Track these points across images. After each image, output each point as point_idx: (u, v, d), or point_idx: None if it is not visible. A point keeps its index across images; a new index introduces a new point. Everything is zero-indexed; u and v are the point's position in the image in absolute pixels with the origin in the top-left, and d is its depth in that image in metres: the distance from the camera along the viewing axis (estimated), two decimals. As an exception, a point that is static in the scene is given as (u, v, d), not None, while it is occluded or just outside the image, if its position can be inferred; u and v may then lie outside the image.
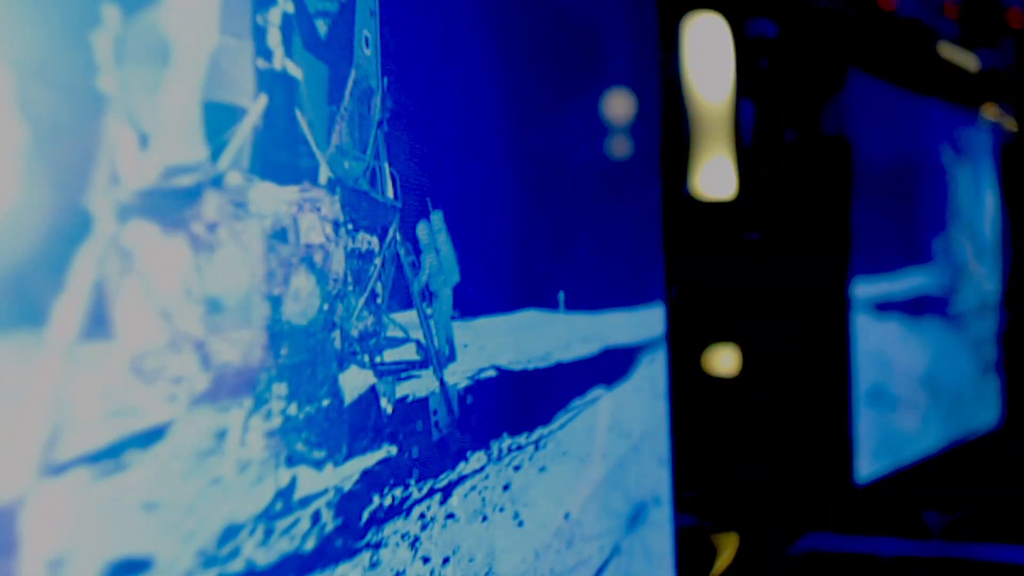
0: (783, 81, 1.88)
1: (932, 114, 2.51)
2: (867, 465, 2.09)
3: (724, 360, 1.78)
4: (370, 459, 0.88)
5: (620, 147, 1.38)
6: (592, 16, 1.31)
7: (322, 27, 0.83)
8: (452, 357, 1.00)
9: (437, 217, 0.98)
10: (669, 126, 1.51)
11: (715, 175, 1.73)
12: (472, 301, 1.05)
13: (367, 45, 0.88)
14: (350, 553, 0.85)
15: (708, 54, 1.68)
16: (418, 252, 0.96)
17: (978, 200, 2.76)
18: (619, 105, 1.37)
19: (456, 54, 1.03)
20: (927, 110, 2.49)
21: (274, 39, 0.78)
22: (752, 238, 1.79)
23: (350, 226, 0.86)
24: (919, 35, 2.32)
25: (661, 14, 1.47)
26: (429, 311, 0.97)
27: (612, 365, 1.35)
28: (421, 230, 0.96)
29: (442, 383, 0.99)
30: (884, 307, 2.20)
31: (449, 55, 1.01)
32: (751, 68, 1.80)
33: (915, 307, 2.37)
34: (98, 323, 0.64)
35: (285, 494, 0.78)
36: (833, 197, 2.04)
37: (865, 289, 2.11)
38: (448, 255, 0.99)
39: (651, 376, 1.45)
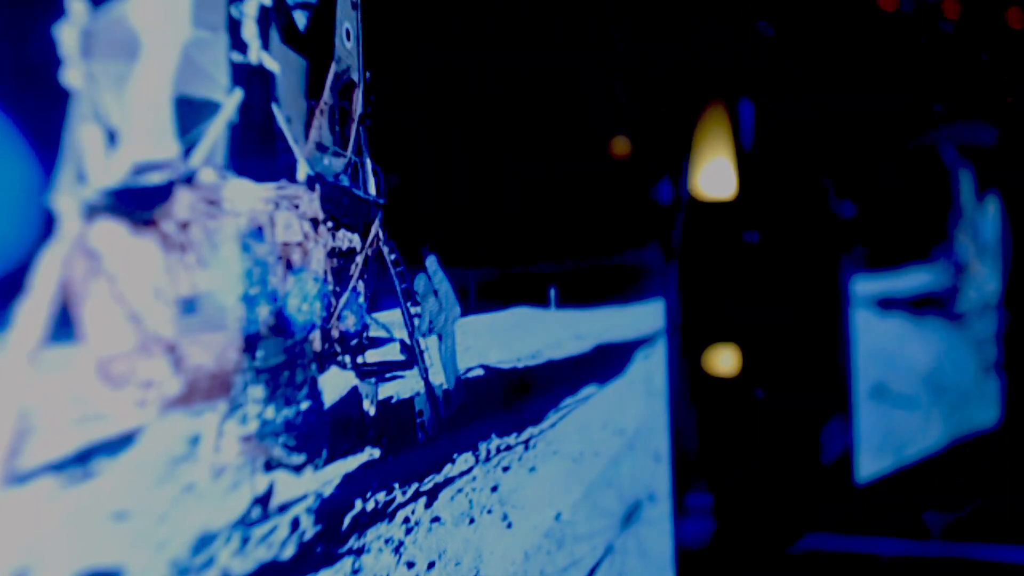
0: (781, 80, 1.86)
1: (934, 114, 2.49)
2: (867, 465, 2.07)
3: (724, 359, 1.76)
4: (352, 463, 0.86)
5: (620, 144, 1.36)
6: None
7: (301, 19, 0.81)
8: (458, 398, 0.99)
9: (432, 261, 0.96)
10: (669, 125, 1.49)
11: (715, 175, 1.72)
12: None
13: (348, 38, 0.86)
14: (331, 560, 0.83)
15: (709, 54, 1.67)
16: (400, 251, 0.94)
17: (979, 200, 2.74)
18: (619, 102, 1.36)
19: (452, 44, 1.01)
20: (928, 110, 2.46)
21: (250, 31, 0.76)
22: (752, 238, 1.77)
23: (330, 223, 0.84)
24: (921, 35, 2.30)
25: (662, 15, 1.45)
26: (414, 311, 0.95)
27: (606, 362, 1.33)
28: (419, 283, 0.94)
29: (428, 383, 0.97)
30: (886, 305, 2.18)
31: (443, 45, 0.99)
32: (751, 68, 1.78)
33: (916, 306, 2.35)
34: (64, 326, 0.62)
35: (262, 500, 0.76)
36: (833, 196, 2.02)
37: (866, 287, 2.09)
38: (447, 292, 0.98)
39: (646, 373, 1.43)
